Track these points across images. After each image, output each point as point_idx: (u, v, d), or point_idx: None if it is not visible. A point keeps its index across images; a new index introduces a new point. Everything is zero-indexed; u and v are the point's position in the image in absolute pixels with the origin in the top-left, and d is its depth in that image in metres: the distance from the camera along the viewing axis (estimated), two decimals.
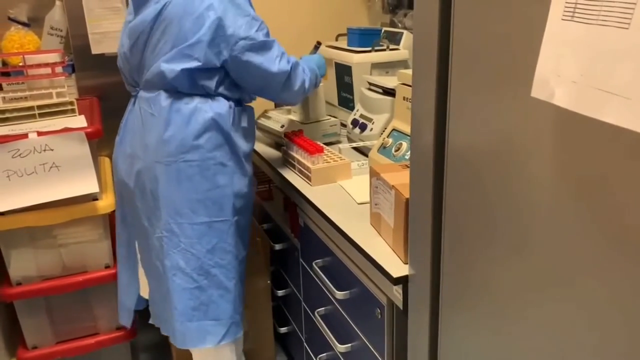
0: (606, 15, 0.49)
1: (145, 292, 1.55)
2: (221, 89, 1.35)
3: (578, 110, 0.53)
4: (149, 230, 1.41)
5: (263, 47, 1.33)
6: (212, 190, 1.35)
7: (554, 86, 0.55)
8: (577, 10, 0.52)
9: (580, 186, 0.59)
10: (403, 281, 1.01)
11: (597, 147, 0.56)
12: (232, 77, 1.35)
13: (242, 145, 1.40)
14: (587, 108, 0.51)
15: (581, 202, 0.59)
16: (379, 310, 1.13)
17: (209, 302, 1.39)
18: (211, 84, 1.33)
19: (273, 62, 1.35)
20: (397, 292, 1.03)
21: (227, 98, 1.36)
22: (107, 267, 1.69)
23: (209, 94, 1.34)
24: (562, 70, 0.54)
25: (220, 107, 1.34)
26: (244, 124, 1.41)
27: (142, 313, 1.63)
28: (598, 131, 0.55)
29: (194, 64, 1.28)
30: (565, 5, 0.53)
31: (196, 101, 1.32)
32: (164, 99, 1.32)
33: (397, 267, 1.04)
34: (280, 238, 1.75)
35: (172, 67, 1.28)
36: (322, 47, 1.95)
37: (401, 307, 1.03)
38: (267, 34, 1.35)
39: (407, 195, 1.00)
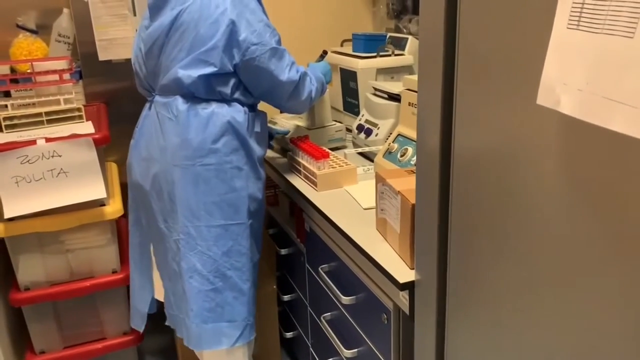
0: (611, 24, 0.49)
1: (160, 295, 1.56)
2: (237, 94, 1.37)
3: (584, 118, 0.53)
4: (165, 232, 1.42)
5: (274, 54, 1.34)
6: (229, 193, 1.37)
7: (559, 94, 0.56)
8: (582, 19, 0.52)
9: (587, 192, 0.59)
10: (409, 286, 1.01)
11: (603, 154, 0.56)
12: (242, 80, 1.37)
13: (257, 149, 1.42)
14: (592, 116, 0.52)
15: (588, 208, 0.59)
16: (385, 316, 1.13)
17: (224, 304, 1.40)
18: (227, 89, 1.34)
19: (283, 70, 1.37)
20: (403, 298, 1.03)
21: (242, 103, 1.38)
22: (114, 272, 1.70)
23: (225, 99, 1.36)
24: (567, 78, 0.54)
25: (236, 112, 1.36)
26: (258, 129, 1.43)
27: (150, 317, 1.63)
28: (603, 139, 0.55)
29: (210, 69, 1.30)
30: (570, 14, 0.54)
31: (213, 106, 1.34)
32: (181, 103, 1.34)
33: (404, 273, 1.05)
34: (286, 243, 1.76)
35: (188, 74, 1.30)
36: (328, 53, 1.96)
37: (407, 313, 1.03)
38: (279, 42, 1.37)
39: (413, 200, 1.00)
